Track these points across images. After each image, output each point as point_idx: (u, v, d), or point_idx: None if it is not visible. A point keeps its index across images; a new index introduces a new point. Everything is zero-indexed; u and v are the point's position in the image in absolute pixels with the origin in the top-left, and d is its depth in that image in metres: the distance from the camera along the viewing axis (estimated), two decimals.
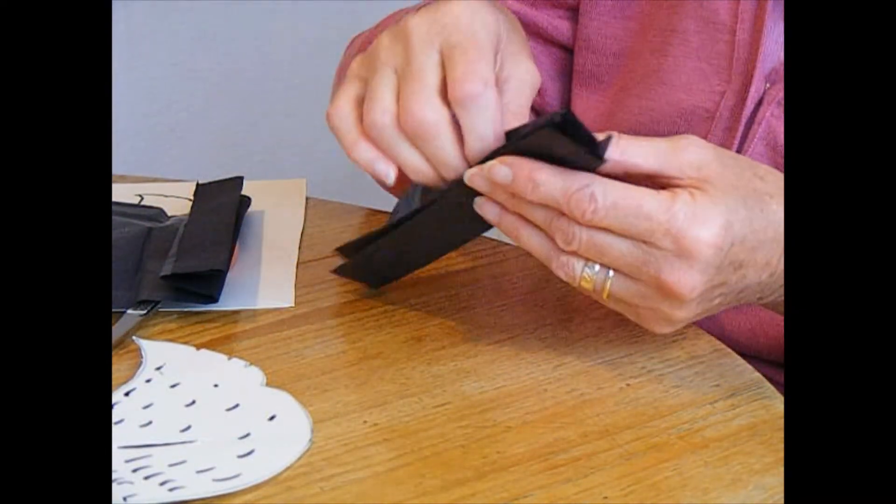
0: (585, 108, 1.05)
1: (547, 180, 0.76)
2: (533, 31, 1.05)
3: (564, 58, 1.07)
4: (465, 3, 0.81)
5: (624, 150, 0.77)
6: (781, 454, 0.75)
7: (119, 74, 1.93)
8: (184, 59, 2.01)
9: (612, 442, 0.77)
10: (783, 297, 0.81)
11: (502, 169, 0.77)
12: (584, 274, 0.78)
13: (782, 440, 0.76)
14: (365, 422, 0.78)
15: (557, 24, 1.06)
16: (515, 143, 0.77)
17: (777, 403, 0.81)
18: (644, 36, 1.01)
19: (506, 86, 0.82)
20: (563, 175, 0.76)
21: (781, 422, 0.78)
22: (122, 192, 1.06)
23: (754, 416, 0.79)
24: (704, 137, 0.96)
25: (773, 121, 0.94)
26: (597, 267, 0.78)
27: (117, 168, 1.02)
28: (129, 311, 0.89)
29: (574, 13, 1.05)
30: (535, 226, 0.79)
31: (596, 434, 0.78)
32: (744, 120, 0.95)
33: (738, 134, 0.95)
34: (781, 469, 0.74)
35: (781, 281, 0.80)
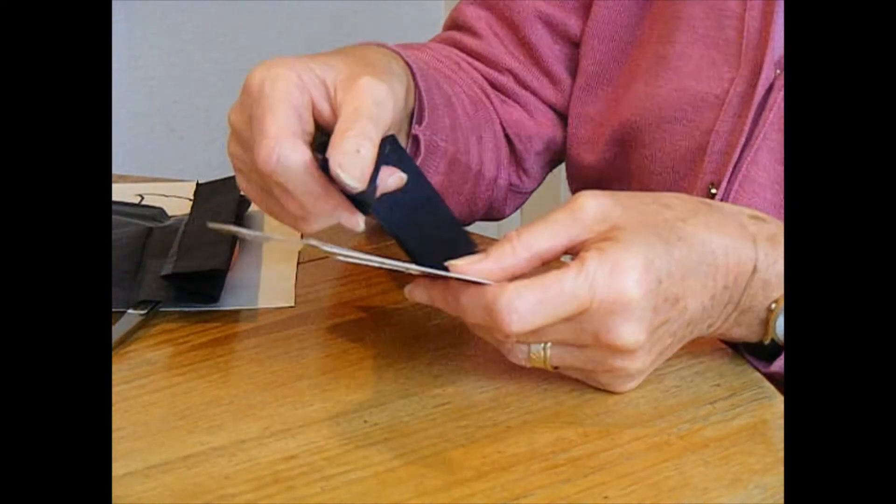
0: (588, 102, 1.05)
1: (467, 304, 0.77)
2: (562, 34, 1.05)
3: None
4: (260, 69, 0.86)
5: (529, 245, 0.77)
6: (781, 454, 0.75)
7: (119, 74, 1.93)
8: (184, 59, 2.00)
9: (612, 442, 0.77)
10: (739, 324, 0.81)
11: (416, 290, 0.80)
12: (531, 355, 0.78)
13: (782, 440, 0.76)
14: (365, 422, 0.78)
15: (580, 24, 1.05)
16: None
17: (777, 403, 0.80)
18: (650, 24, 1.02)
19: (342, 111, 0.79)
20: (476, 295, 0.76)
21: (781, 422, 0.78)
22: (122, 192, 1.06)
23: (754, 416, 0.79)
24: (713, 124, 0.96)
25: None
26: (541, 344, 0.78)
27: (117, 168, 1.02)
28: (130, 311, 0.89)
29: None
30: None
31: (596, 434, 0.78)
32: (754, 106, 0.95)
33: (749, 120, 0.95)
34: (781, 469, 0.74)
35: (725, 301, 0.79)
